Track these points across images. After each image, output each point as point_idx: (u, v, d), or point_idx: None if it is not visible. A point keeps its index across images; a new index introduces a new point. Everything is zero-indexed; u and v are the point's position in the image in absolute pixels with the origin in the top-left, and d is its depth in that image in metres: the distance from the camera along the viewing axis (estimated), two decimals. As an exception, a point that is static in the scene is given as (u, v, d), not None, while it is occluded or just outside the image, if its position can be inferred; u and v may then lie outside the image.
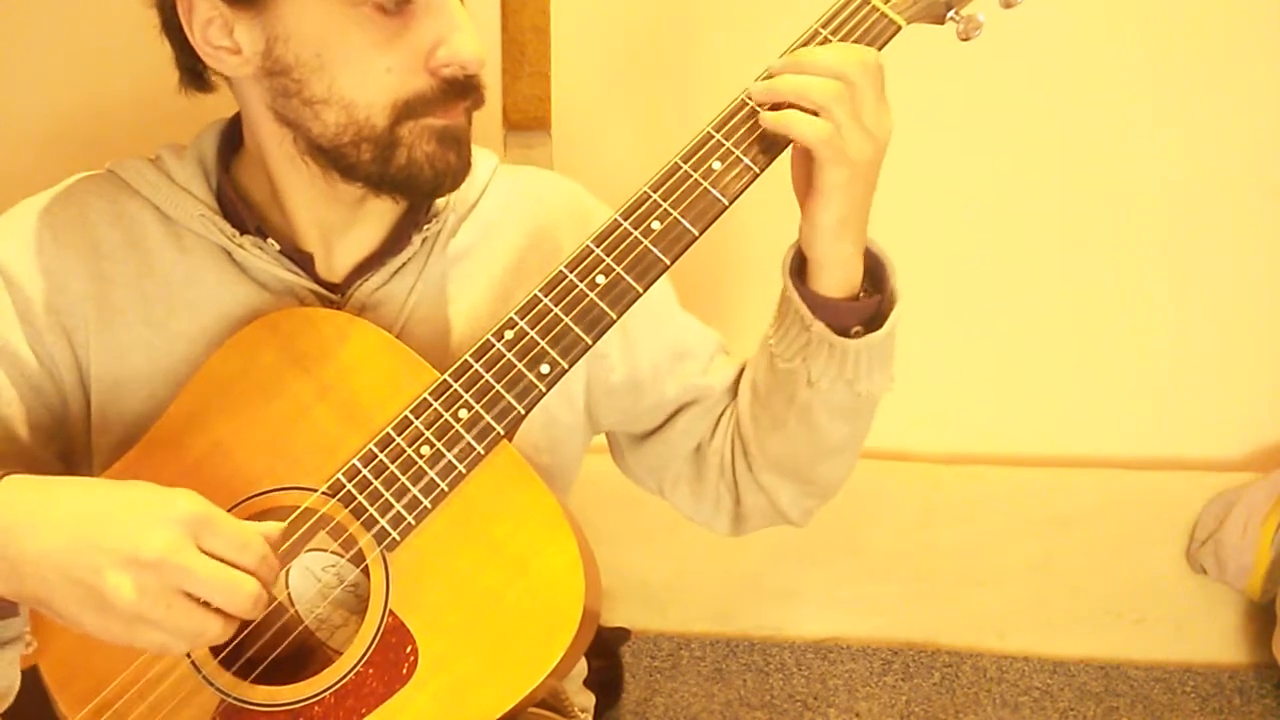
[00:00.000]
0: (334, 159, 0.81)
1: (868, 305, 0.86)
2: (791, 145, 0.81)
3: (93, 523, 0.68)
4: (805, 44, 0.79)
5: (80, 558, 0.67)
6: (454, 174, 0.82)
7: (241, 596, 0.68)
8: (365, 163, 0.80)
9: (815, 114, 0.76)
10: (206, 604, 0.68)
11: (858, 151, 0.77)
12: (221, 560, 0.68)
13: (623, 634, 1.69)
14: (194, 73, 0.85)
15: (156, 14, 0.83)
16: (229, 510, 0.78)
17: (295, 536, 0.77)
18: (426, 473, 0.77)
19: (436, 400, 0.78)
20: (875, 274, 0.87)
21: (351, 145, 0.79)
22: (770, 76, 0.79)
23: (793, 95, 0.77)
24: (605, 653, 1.62)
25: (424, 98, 0.79)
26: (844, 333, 0.85)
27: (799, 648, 1.77)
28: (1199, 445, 1.72)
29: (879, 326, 0.85)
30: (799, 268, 0.86)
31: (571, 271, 0.78)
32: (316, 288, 0.87)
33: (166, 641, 0.68)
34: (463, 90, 0.80)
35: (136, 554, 0.66)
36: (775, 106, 0.78)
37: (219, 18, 0.78)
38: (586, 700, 1.07)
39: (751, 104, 0.79)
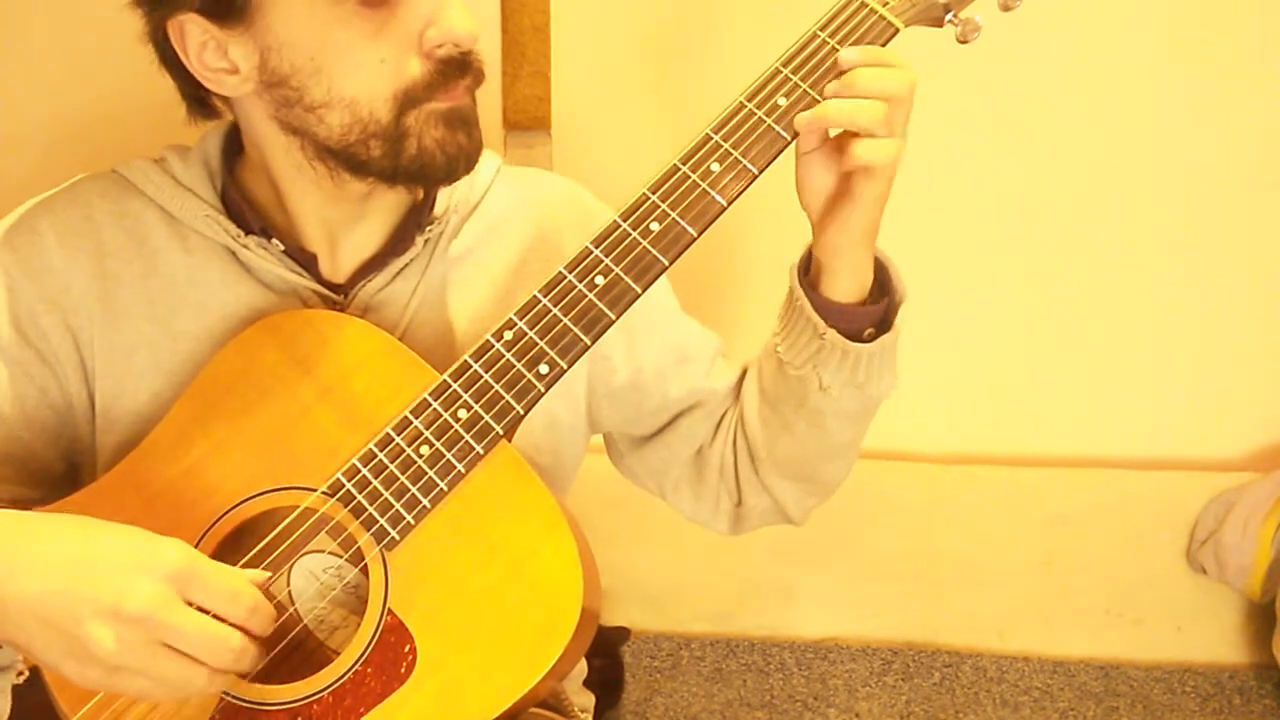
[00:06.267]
0: (344, 159, 0.81)
1: (878, 309, 0.87)
2: (799, 155, 0.82)
3: (76, 570, 0.66)
4: (803, 47, 0.79)
5: (61, 606, 0.65)
6: (467, 156, 0.82)
7: (226, 651, 0.67)
8: (377, 159, 0.80)
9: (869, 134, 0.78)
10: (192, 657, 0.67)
11: (896, 163, 0.79)
12: (209, 612, 0.68)
13: (623, 634, 1.69)
14: (199, 101, 0.86)
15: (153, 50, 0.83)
16: (230, 509, 0.79)
17: (295, 536, 0.77)
18: (426, 472, 0.77)
19: (436, 400, 0.78)
20: (879, 277, 0.87)
21: (360, 143, 0.80)
22: (796, 90, 0.79)
23: (845, 122, 0.78)
24: (605, 653, 1.62)
25: (423, 82, 0.79)
26: (856, 337, 0.86)
27: (799, 648, 1.77)
28: (1199, 445, 1.72)
29: (886, 329, 0.87)
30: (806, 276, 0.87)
31: (570, 272, 0.79)
32: (320, 288, 0.87)
33: (150, 689, 0.67)
34: (461, 68, 0.80)
35: (118, 607, 0.65)
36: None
37: (211, 40, 0.79)
38: (586, 700, 1.07)
39: (759, 114, 0.79)
